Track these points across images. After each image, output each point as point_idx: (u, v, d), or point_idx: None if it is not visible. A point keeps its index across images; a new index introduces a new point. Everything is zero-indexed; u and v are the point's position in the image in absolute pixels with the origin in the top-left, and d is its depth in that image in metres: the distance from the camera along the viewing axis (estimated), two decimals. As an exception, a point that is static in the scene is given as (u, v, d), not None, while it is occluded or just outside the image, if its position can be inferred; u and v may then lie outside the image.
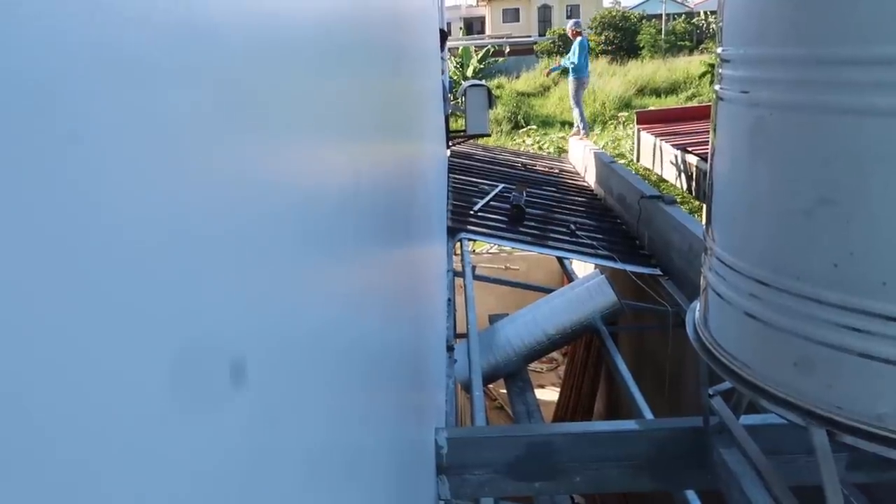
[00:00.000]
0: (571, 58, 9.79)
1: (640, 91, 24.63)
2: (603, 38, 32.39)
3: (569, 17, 39.75)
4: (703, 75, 11.04)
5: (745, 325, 1.82)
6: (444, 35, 7.65)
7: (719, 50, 1.90)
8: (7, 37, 0.23)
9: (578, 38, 9.86)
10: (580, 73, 9.89)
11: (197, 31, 0.40)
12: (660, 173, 8.28)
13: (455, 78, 22.42)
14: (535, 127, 20.26)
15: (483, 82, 10.16)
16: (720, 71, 1.90)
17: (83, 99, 0.27)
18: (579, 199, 7.19)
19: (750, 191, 1.78)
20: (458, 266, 5.27)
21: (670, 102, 21.82)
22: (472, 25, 42.70)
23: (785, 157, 1.66)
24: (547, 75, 10.68)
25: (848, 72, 1.50)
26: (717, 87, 1.92)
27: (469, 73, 24.44)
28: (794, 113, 1.61)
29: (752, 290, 1.78)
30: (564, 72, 10.72)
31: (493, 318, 5.43)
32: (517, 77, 27.21)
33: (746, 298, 1.80)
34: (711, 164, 1.98)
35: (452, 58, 24.42)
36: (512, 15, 41.43)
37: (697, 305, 2.16)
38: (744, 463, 2.11)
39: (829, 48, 1.53)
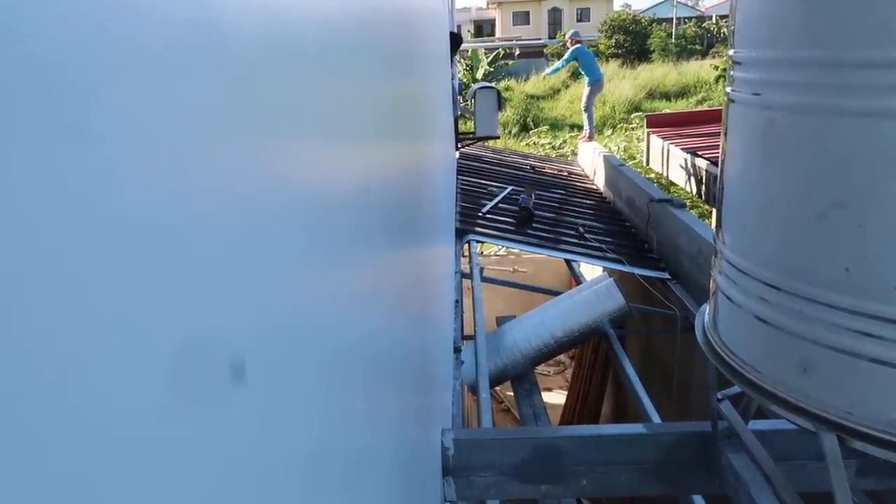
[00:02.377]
0: (579, 69, 9.83)
1: (650, 94, 24.59)
2: (613, 41, 32.34)
3: (579, 21, 39.76)
4: (717, 79, 10.99)
5: (755, 328, 1.81)
6: (457, 40, 7.61)
7: (731, 52, 1.89)
8: (14, 28, 0.22)
9: (576, 46, 9.83)
10: (595, 76, 9.88)
11: (206, 28, 0.40)
12: (669, 177, 8.25)
13: (465, 80, 22.44)
14: (546, 128, 20.26)
15: (492, 84, 10.16)
16: (732, 73, 1.89)
17: (89, 93, 0.27)
18: (588, 201, 7.18)
19: (761, 194, 1.77)
20: (465, 268, 5.27)
21: (680, 106, 21.76)
22: (483, 28, 42.75)
23: (797, 160, 1.64)
24: (544, 77, 10.98)
25: (862, 74, 1.48)
26: (728, 89, 1.91)
27: (479, 75, 24.44)
28: (807, 115, 1.60)
29: (763, 294, 1.76)
30: (577, 75, 10.81)
31: (501, 320, 5.42)
32: (526, 79, 27.21)
33: (757, 302, 1.79)
34: (722, 167, 1.97)
35: (462, 60, 24.44)
36: (522, 18, 41.44)
37: (707, 309, 2.15)
38: (752, 468, 2.10)
39: (843, 51, 1.52)
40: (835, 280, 1.57)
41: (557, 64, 10.32)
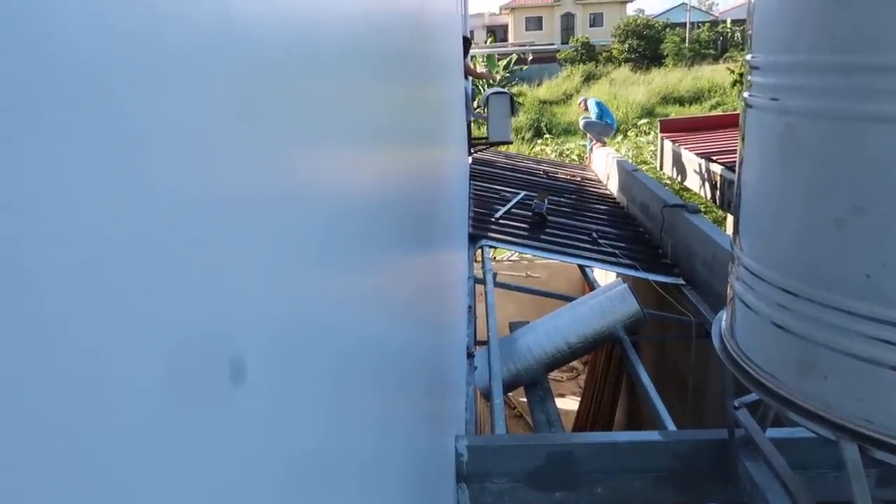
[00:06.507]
0: (597, 118, 9.90)
1: (664, 99, 24.51)
2: (626, 46, 32.27)
3: (592, 26, 39.71)
4: (734, 84, 10.92)
5: (773, 335, 1.79)
6: (467, 42, 7.68)
7: (748, 57, 1.87)
8: (43, 30, 0.22)
9: (591, 100, 10.17)
10: (610, 124, 10.01)
11: (229, 34, 0.40)
12: (683, 182, 8.21)
13: (477, 85, 22.48)
14: (551, 136, 20.29)
15: (506, 90, 10.18)
16: (749, 78, 1.88)
17: (115, 95, 0.27)
18: (601, 206, 7.15)
19: (779, 200, 1.75)
20: (478, 273, 5.26)
21: (694, 111, 21.67)
22: (496, 33, 42.78)
23: (816, 165, 1.63)
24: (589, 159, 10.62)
25: (882, 79, 1.47)
26: (745, 94, 1.90)
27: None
28: (826, 121, 1.58)
29: (781, 301, 1.74)
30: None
31: (514, 326, 5.41)
32: (539, 84, 27.21)
33: (775, 309, 1.77)
34: (739, 173, 1.95)
35: (474, 65, 24.44)
36: (535, 23, 41.45)
37: (724, 315, 2.13)
38: (770, 477, 2.07)
39: (862, 55, 1.50)
40: (855, 287, 1.55)
41: (591, 118, 10.18)
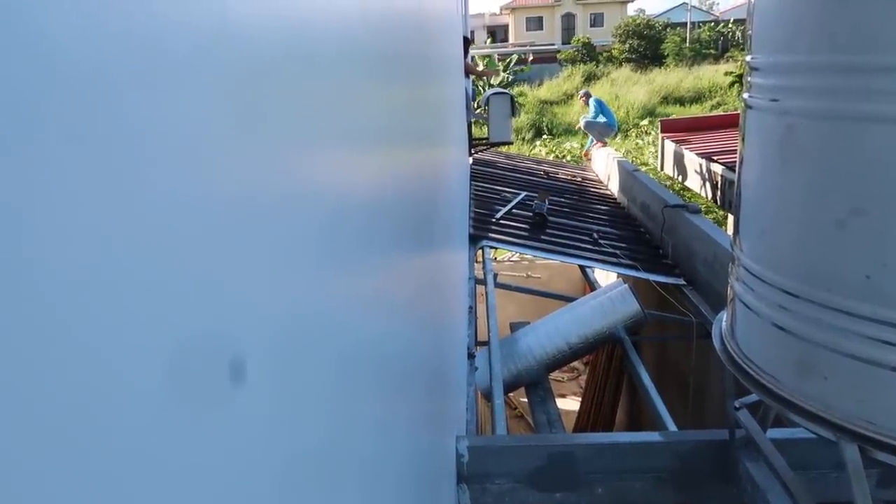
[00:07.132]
0: (592, 116, 9.97)
1: (665, 99, 24.51)
2: (627, 46, 32.28)
3: (592, 26, 39.73)
4: (731, 85, 10.95)
5: (773, 336, 1.79)
6: (467, 42, 7.69)
7: (748, 58, 1.87)
8: (39, 31, 0.23)
9: (592, 98, 10.27)
10: (610, 124, 10.05)
11: (229, 36, 0.40)
12: (684, 182, 8.21)
13: (478, 86, 22.50)
14: (549, 137, 20.31)
15: (506, 90, 10.20)
16: (749, 79, 1.88)
17: (111, 96, 0.27)
18: (602, 207, 7.15)
19: (779, 200, 1.75)
20: (479, 274, 5.26)
21: (695, 111, 21.67)
22: (496, 34, 42.77)
23: (816, 166, 1.63)
24: (587, 156, 10.58)
25: (881, 80, 1.47)
26: (745, 95, 1.90)
27: (493, 80, 24.45)
28: (826, 122, 1.58)
29: (781, 302, 1.74)
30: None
31: (515, 326, 5.41)
32: (539, 85, 27.21)
33: (775, 310, 1.77)
34: (739, 174, 1.95)
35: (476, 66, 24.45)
36: (535, 23, 41.45)
37: (724, 316, 2.13)
38: (771, 477, 2.07)
39: (863, 56, 1.50)
40: (855, 288, 1.55)
41: (589, 118, 10.25)
